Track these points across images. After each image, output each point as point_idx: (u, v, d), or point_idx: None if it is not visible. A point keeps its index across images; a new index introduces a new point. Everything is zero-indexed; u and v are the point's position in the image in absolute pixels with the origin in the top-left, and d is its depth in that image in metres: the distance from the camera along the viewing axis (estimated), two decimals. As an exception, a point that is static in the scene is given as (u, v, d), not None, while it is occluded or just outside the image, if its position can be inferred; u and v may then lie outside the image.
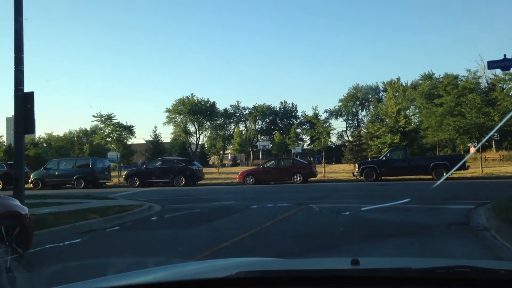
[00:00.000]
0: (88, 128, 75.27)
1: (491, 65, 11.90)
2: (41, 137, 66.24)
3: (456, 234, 7.49)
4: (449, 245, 6.61)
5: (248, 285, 1.62)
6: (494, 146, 50.38)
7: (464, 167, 22.84)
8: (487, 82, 53.34)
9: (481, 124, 29.00)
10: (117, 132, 58.75)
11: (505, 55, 11.37)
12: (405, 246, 6.57)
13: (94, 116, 59.50)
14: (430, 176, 22.63)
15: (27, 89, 9.95)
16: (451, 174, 22.53)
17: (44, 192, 22.05)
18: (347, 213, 10.41)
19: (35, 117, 10.02)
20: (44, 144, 61.63)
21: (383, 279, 1.65)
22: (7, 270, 4.19)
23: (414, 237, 7.27)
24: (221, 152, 77.24)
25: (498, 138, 43.28)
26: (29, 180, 26.58)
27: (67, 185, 27.20)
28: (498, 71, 39.46)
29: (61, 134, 72.44)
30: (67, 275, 5.04)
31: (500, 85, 41.72)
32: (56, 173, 27.31)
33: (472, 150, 29.57)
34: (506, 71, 30.96)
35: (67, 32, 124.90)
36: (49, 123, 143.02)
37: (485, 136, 28.02)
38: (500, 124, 26.67)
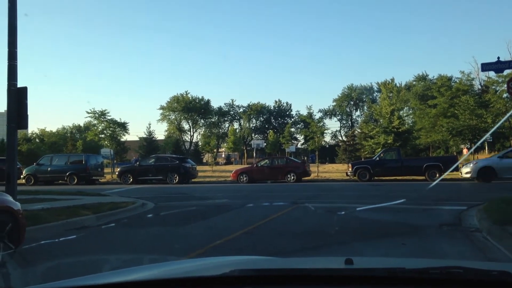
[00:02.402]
0: (82, 124, 75.00)
1: (485, 67, 11.94)
2: (34, 132, 65.72)
3: (448, 235, 7.53)
4: (441, 246, 6.65)
5: (243, 283, 1.62)
6: (486, 147, 50.71)
7: (456, 168, 23.00)
8: (480, 84, 53.59)
9: (474, 126, 29.27)
10: (110, 129, 58.65)
11: (498, 58, 11.44)
12: (398, 246, 6.60)
13: (88, 112, 59.52)
14: (423, 177, 22.77)
15: (20, 84, 9.91)
16: (445, 175, 22.67)
17: (36, 188, 21.93)
18: (341, 212, 10.44)
19: (28, 112, 9.99)
20: (37, 140, 61.14)
21: (376, 279, 1.66)
22: (0, 265, 4.18)
23: (406, 238, 7.31)
24: (215, 150, 77.22)
25: (491, 140, 43.56)
26: (22, 176, 26.44)
27: (60, 181, 27.07)
28: (492, 74, 39.76)
29: (54, 130, 71.92)
30: (60, 271, 5.03)
31: (493, 87, 42.01)
32: (48, 169, 27.17)
33: (465, 151, 29.81)
34: (500, 74, 31.21)
35: (63, 28, 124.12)
36: (42, 118, 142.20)
37: (478, 138, 28.24)
38: (496, 127, 26.87)
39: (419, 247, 6.60)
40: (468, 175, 20.71)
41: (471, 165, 20.99)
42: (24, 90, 9.91)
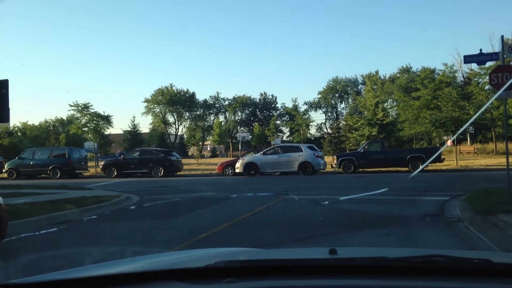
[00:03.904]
0: (65, 118, 73.98)
1: (467, 59, 12.07)
2: (15, 126, 64.51)
3: (431, 225, 7.63)
4: (424, 236, 6.74)
5: (227, 274, 1.62)
6: (468, 139, 51.45)
7: (439, 159, 23.37)
8: (463, 76, 54.32)
9: (456, 118, 29.59)
10: (94, 122, 58.04)
11: (481, 50, 11.56)
12: (382, 237, 6.68)
13: (71, 105, 59.01)
14: (406, 168, 23.01)
15: (1, 76, 9.74)
16: (427, 166, 22.97)
17: (19, 182, 21.63)
18: (326, 203, 10.52)
19: (9, 106, 9.82)
20: (19, 133, 60.09)
21: (360, 268, 1.67)
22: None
23: (390, 228, 7.38)
24: (200, 143, 77.04)
25: (473, 132, 44.21)
26: (4, 170, 26.08)
27: (43, 175, 26.75)
28: (474, 66, 40.30)
29: (36, 123, 70.79)
30: (42, 265, 4.98)
31: (476, 79, 42.61)
32: (31, 162, 26.81)
33: (449, 142, 30.21)
34: (482, 66, 31.61)
35: (44, 20, 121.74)
36: (24, 111, 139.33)
37: (461, 129, 28.61)
38: (475, 116, 27.22)
39: (402, 237, 6.68)
40: (238, 170, 23.37)
41: (241, 161, 23.56)
42: (4, 82, 9.71)
